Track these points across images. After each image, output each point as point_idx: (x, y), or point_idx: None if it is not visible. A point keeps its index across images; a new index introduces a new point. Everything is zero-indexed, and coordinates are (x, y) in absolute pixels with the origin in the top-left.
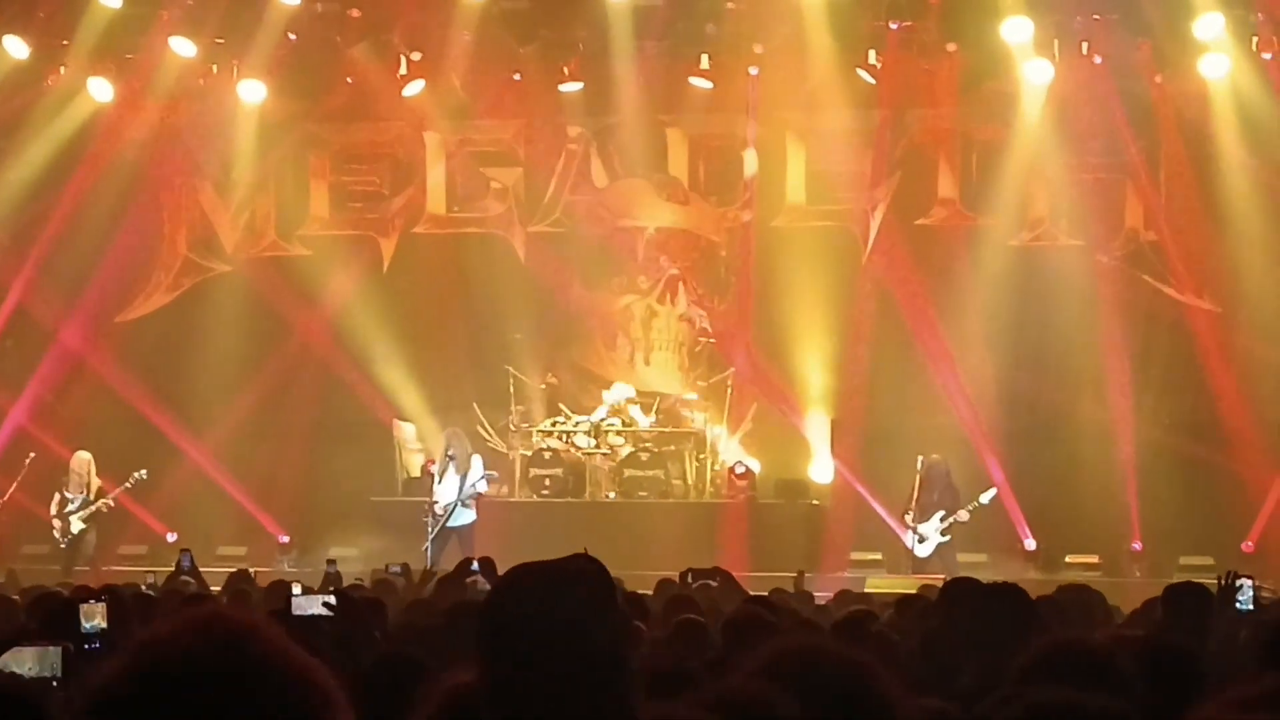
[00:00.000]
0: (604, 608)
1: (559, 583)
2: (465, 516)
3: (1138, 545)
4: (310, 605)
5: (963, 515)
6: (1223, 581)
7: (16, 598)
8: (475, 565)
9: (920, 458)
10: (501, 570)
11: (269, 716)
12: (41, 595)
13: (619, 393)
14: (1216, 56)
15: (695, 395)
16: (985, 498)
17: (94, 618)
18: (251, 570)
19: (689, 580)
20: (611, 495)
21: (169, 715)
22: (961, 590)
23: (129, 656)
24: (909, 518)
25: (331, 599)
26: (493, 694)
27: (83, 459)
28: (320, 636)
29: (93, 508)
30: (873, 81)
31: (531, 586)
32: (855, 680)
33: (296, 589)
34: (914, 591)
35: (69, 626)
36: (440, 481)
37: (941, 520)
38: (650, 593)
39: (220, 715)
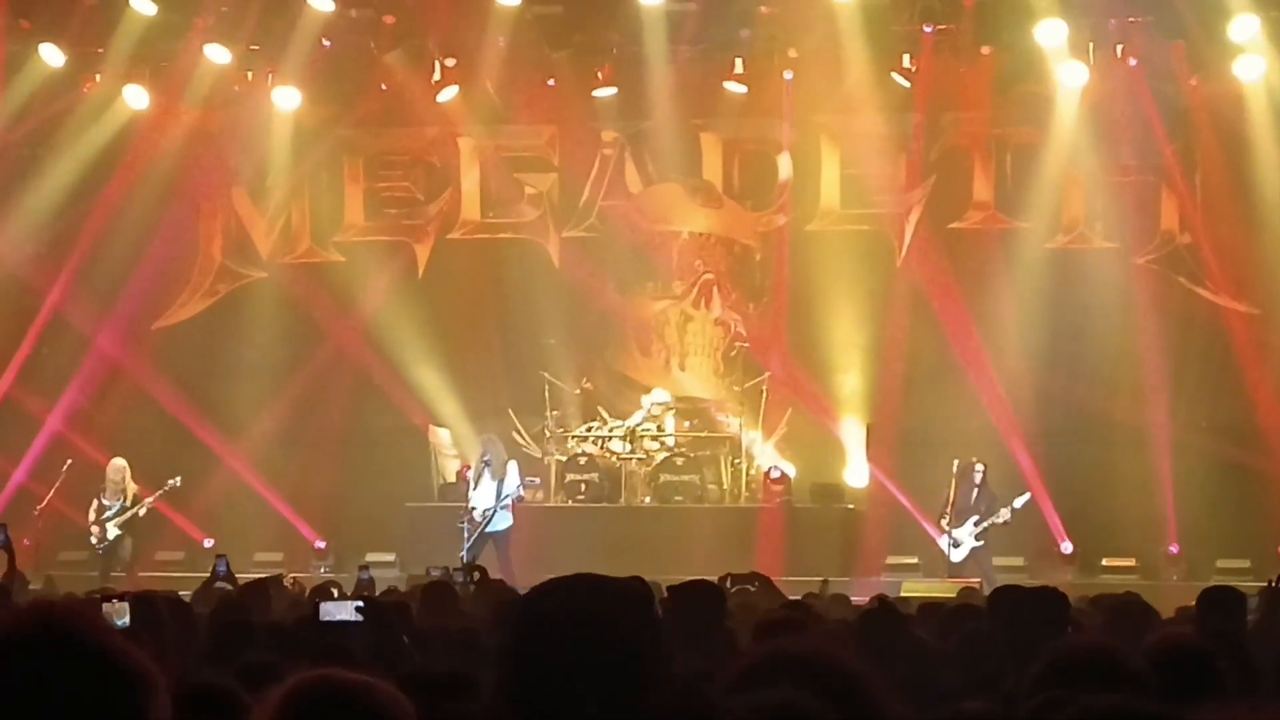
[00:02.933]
0: (641, 615)
1: (594, 590)
2: (503, 522)
3: (1174, 548)
4: (339, 611)
5: (1003, 515)
6: (1272, 584)
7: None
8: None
9: (956, 461)
10: (534, 579)
11: (83, 692)
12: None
13: (657, 398)
14: (1252, 58)
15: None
16: (1019, 503)
17: (121, 616)
18: (291, 577)
19: (728, 585)
20: (647, 500)
21: None
22: (1003, 595)
23: None
24: (944, 522)
25: (360, 604)
26: (518, 700)
27: (118, 466)
28: (351, 642)
29: (129, 514)
30: (907, 85)
31: (567, 594)
32: (842, 685)
33: (333, 599)
34: (953, 596)
35: None
36: (475, 487)
37: (976, 525)
38: None
39: (34, 689)
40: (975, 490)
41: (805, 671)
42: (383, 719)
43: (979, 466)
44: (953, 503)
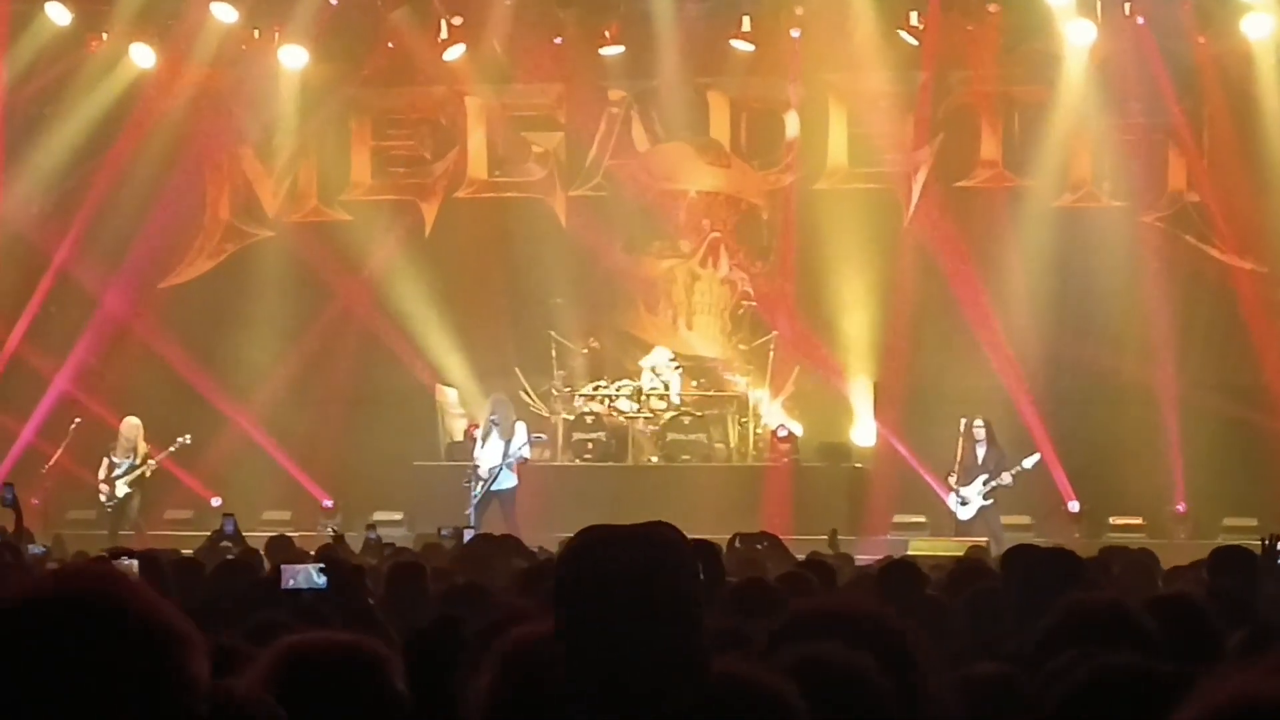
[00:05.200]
0: (681, 564)
1: (637, 539)
2: (508, 481)
3: (1181, 507)
4: (303, 576)
5: (1006, 479)
6: (1265, 543)
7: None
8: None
9: (963, 420)
10: (540, 539)
11: (126, 651)
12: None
13: (658, 356)
14: (1260, 16)
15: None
16: (1029, 463)
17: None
18: (295, 534)
19: (736, 545)
20: (654, 459)
21: (28, 650)
22: (1017, 554)
23: None
24: (952, 480)
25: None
26: (569, 647)
27: (132, 424)
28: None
29: (138, 472)
30: (915, 43)
31: (610, 543)
32: (890, 643)
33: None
34: (960, 554)
35: None
36: (483, 446)
37: (985, 484)
38: None
39: (79, 650)
40: (983, 448)
41: (848, 627)
42: (371, 676)
43: (979, 424)
44: (960, 460)
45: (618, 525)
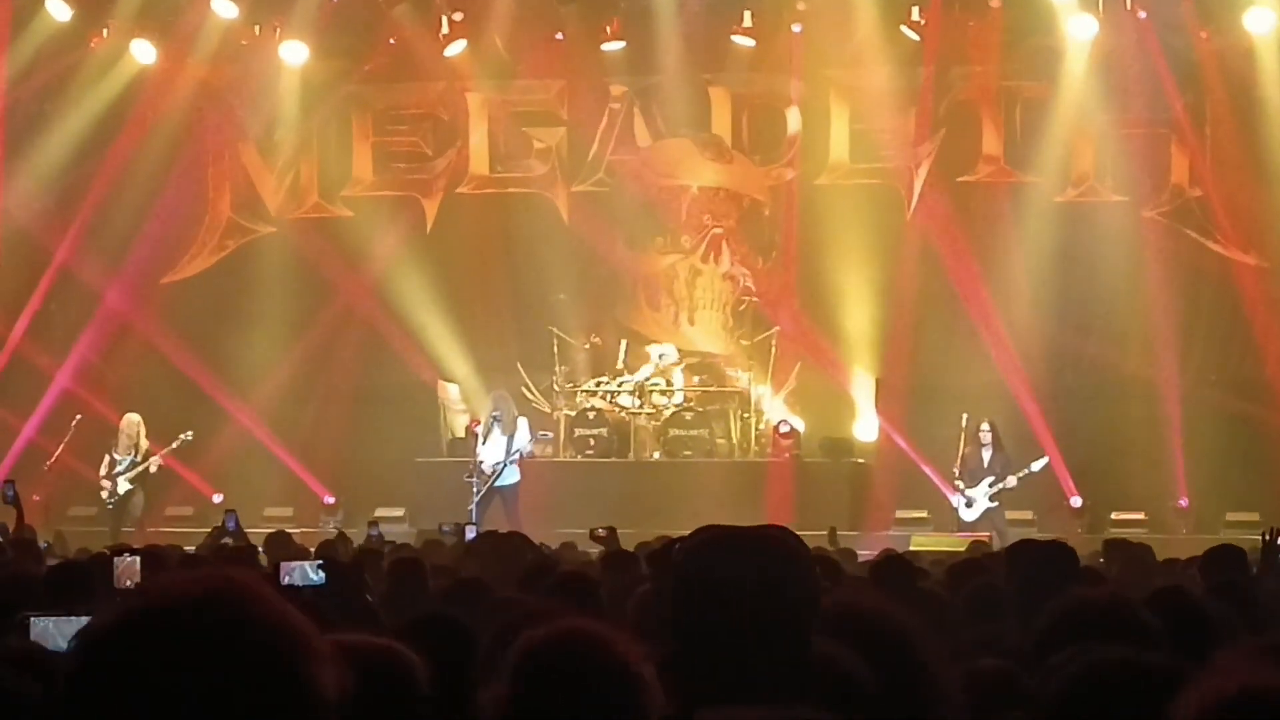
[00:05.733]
0: (804, 571)
1: (760, 545)
2: (511, 476)
3: (1184, 502)
4: (300, 574)
5: (1011, 482)
6: (1265, 538)
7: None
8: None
9: (964, 415)
10: (543, 535)
11: (255, 661)
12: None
13: (661, 352)
14: (1262, 11)
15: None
16: (1037, 466)
17: (131, 576)
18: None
19: None
20: (656, 455)
21: (157, 656)
22: (1019, 549)
23: (123, 603)
24: (956, 479)
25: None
26: (684, 651)
27: (132, 420)
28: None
29: (139, 468)
30: (916, 38)
31: (729, 547)
32: (898, 641)
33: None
34: (962, 550)
35: (103, 583)
36: (484, 443)
37: (990, 486)
38: None
39: (207, 659)
40: (989, 452)
41: (853, 625)
42: (621, 671)
43: (985, 426)
44: (963, 458)
45: (735, 528)
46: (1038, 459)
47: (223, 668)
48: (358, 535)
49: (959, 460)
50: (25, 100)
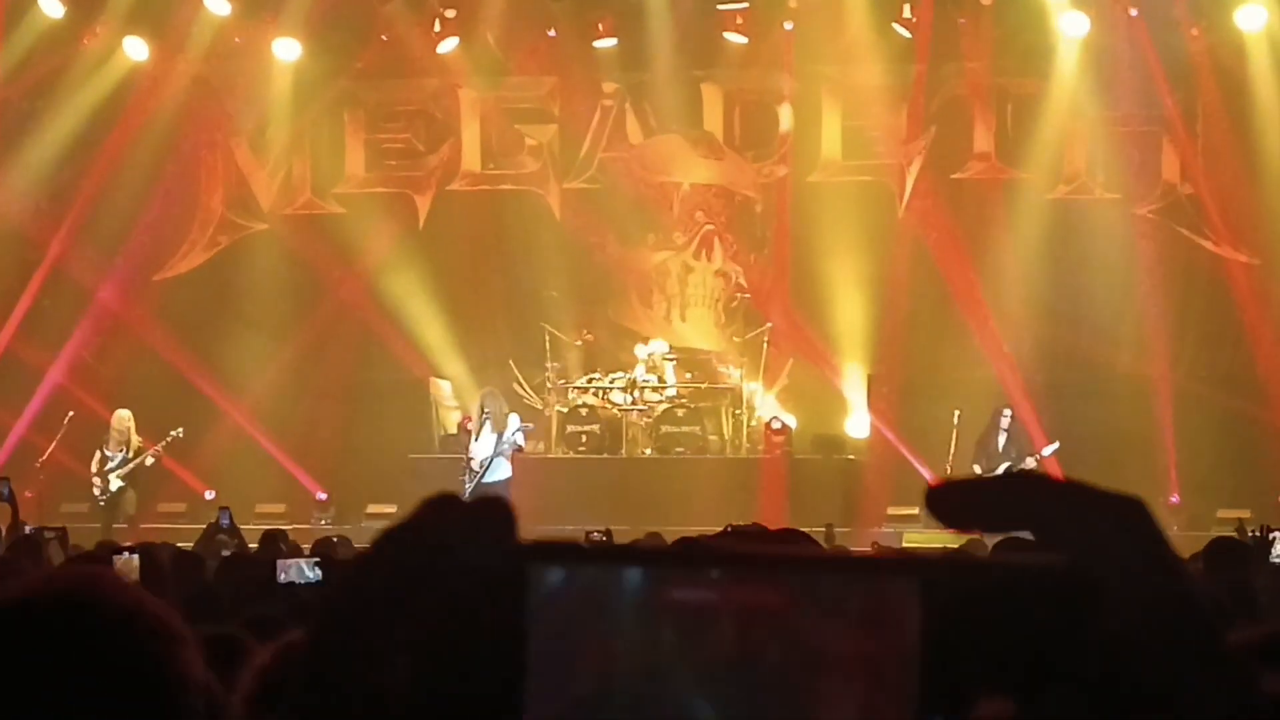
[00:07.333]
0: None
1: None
2: (501, 472)
3: (1175, 499)
4: (296, 571)
5: (1030, 463)
6: (1255, 535)
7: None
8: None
9: (956, 412)
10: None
11: (111, 646)
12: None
13: (653, 348)
14: (1253, 8)
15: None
16: (1048, 451)
17: (129, 573)
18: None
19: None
20: (648, 452)
21: (10, 648)
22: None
23: None
24: (949, 472)
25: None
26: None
27: (123, 417)
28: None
29: (131, 465)
30: (908, 35)
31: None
32: None
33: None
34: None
35: None
36: (476, 440)
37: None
38: None
39: (61, 648)
40: (1004, 436)
41: None
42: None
43: (1006, 412)
44: (954, 453)
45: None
46: (1048, 445)
47: (77, 654)
48: (350, 531)
49: (950, 455)
50: (17, 97)
